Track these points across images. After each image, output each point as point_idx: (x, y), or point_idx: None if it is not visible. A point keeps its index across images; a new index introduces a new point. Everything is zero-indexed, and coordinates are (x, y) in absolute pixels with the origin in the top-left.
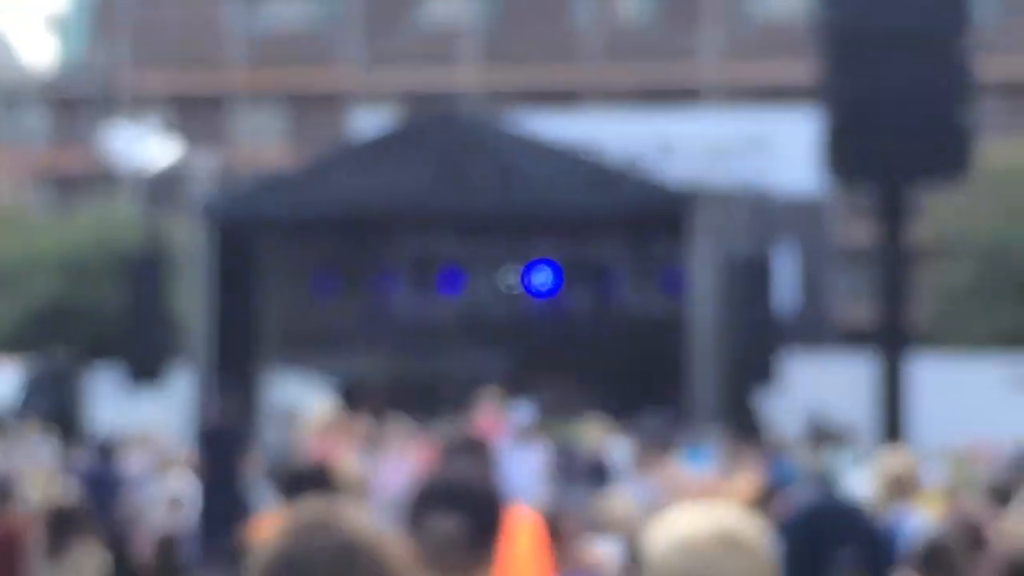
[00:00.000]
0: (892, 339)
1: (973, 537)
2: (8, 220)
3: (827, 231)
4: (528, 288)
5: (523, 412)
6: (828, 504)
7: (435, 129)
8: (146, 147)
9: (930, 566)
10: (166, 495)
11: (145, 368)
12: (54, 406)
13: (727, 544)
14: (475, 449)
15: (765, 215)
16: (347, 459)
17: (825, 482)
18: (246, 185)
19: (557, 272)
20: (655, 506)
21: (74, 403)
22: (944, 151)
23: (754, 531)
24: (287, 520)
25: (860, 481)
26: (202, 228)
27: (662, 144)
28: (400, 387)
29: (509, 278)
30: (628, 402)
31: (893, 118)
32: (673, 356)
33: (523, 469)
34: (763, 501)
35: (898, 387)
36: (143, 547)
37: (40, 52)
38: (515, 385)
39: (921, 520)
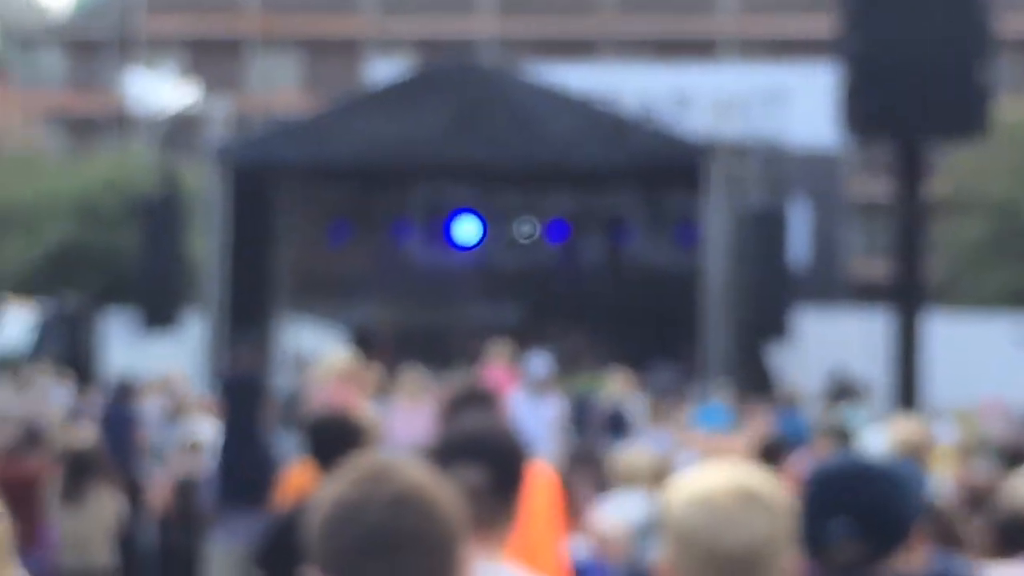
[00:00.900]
0: (907, 296)
1: (977, 500)
2: (23, 162)
3: (841, 185)
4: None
5: (537, 364)
6: (849, 463)
7: (451, 78)
8: (161, 91)
9: (929, 533)
10: (184, 439)
11: (159, 312)
12: (67, 349)
13: (747, 500)
14: (483, 401)
15: (780, 169)
16: (362, 407)
17: (844, 438)
18: (261, 130)
19: (560, 225)
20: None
21: (87, 347)
22: (962, 108)
23: (774, 488)
24: (343, 471)
25: (875, 440)
26: (217, 173)
27: (678, 96)
28: (413, 336)
29: (524, 228)
30: (641, 355)
31: (911, 74)
32: (686, 309)
33: (537, 422)
34: (773, 455)
35: (913, 344)
36: (161, 490)
37: None
38: (528, 336)
39: (932, 485)
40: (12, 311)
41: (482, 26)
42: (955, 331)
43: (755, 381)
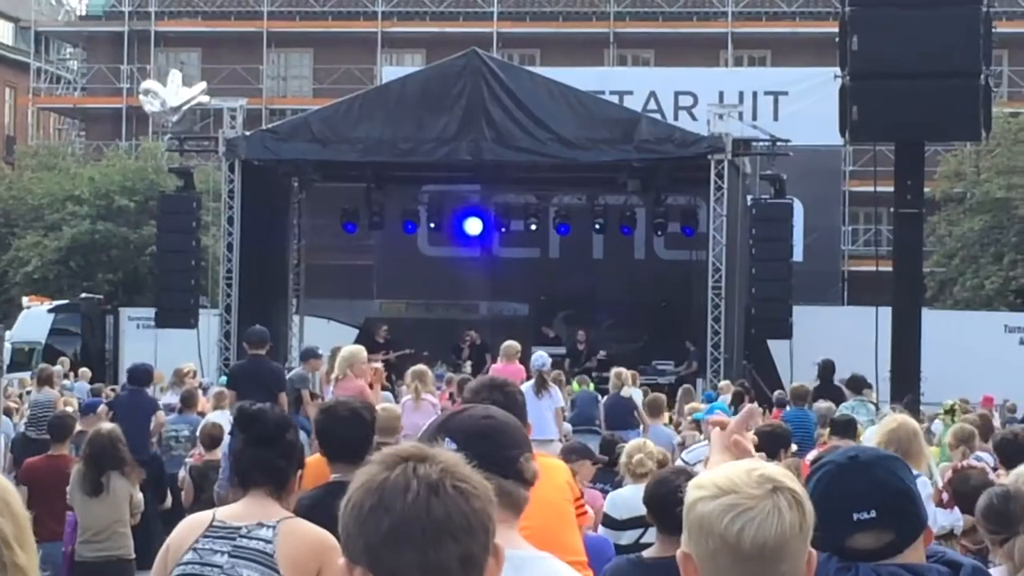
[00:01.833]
0: (906, 294)
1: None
2: (41, 159)
3: (840, 183)
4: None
5: (541, 359)
6: (869, 454)
7: (460, 76)
8: (177, 88)
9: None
10: (198, 429)
11: (175, 308)
12: (85, 345)
13: (770, 492)
14: (501, 389)
15: (781, 167)
16: (377, 399)
17: (853, 430)
18: (274, 128)
19: (567, 221)
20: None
21: (103, 342)
22: (961, 111)
23: (794, 480)
24: (376, 458)
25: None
26: (231, 169)
27: (685, 94)
28: (424, 329)
29: (533, 224)
30: (646, 349)
31: (910, 77)
32: (694, 303)
33: (541, 416)
34: (775, 446)
35: (911, 340)
36: (178, 480)
37: None
38: (536, 330)
39: (922, 483)
40: (29, 308)
41: (491, 26)
42: (951, 327)
43: (759, 374)
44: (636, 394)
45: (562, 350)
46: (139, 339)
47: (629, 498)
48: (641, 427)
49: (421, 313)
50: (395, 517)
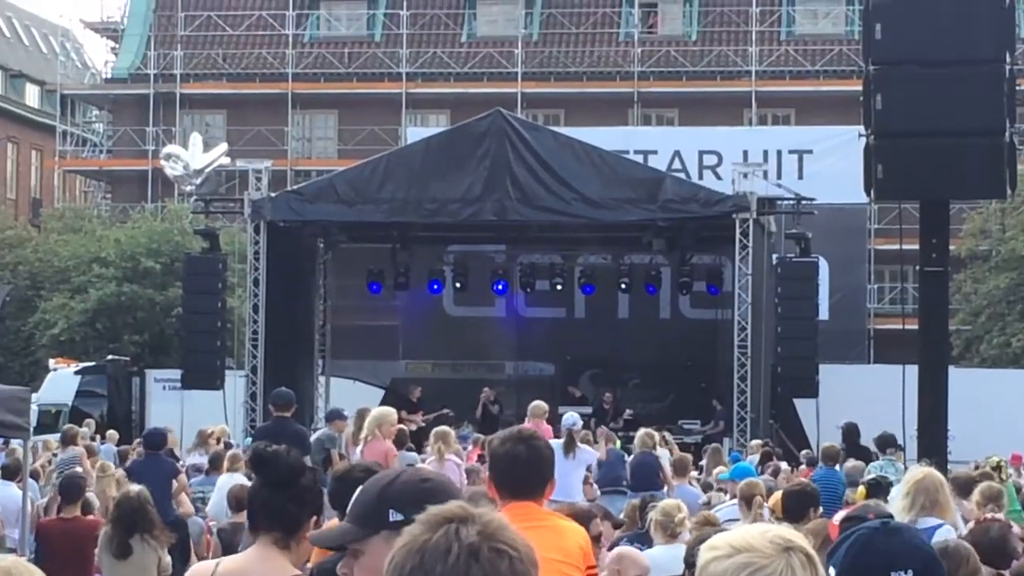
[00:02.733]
0: (932, 352)
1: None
2: (67, 222)
3: (865, 241)
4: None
5: (571, 418)
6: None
7: (486, 136)
8: (199, 151)
9: None
10: (225, 491)
11: (201, 369)
12: (112, 407)
13: (785, 555)
14: (526, 441)
15: (809, 224)
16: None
17: (886, 490)
18: (300, 189)
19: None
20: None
21: (131, 404)
22: (986, 170)
23: (804, 540)
24: (424, 517)
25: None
26: (257, 231)
27: (710, 153)
28: (449, 390)
29: (558, 284)
30: (675, 407)
31: (936, 135)
32: (719, 362)
33: (567, 478)
34: (805, 509)
35: (938, 399)
36: (204, 543)
37: (99, 56)
38: (562, 390)
39: (944, 535)
40: (56, 370)
41: (515, 86)
42: (978, 386)
43: (786, 434)
44: (663, 454)
45: (588, 410)
46: (165, 400)
47: (660, 558)
48: (666, 488)
49: (447, 373)
50: None
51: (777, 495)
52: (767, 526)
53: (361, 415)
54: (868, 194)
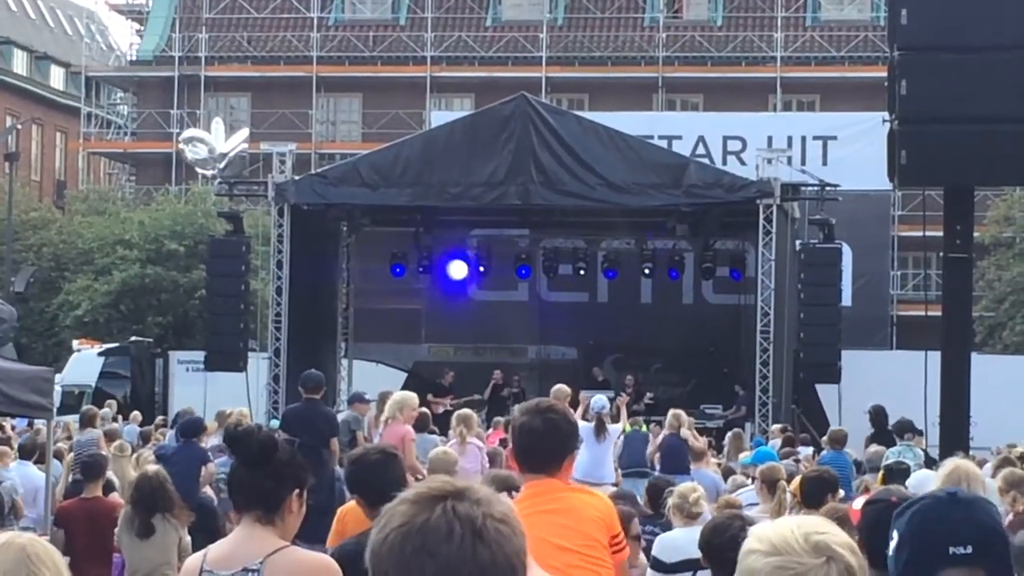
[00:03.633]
0: (955, 339)
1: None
2: (91, 204)
3: (888, 227)
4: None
5: (600, 402)
6: (949, 491)
7: (510, 120)
8: (227, 134)
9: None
10: None
11: (224, 351)
12: (135, 388)
13: (822, 558)
14: (542, 413)
15: (833, 210)
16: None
17: (904, 476)
18: (324, 172)
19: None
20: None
21: (154, 386)
22: (1010, 156)
23: (854, 550)
24: (410, 495)
25: (925, 481)
26: (281, 214)
27: (734, 138)
28: (472, 373)
29: (582, 268)
30: (696, 392)
31: (961, 121)
32: (742, 348)
33: (602, 459)
34: (823, 495)
35: (960, 385)
36: (228, 525)
37: (124, 38)
38: (585, 373)
39: None
40: (79, 351)
41: (540, 70)
42: (1000, 372)
43: (808, 419)
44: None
45: (611, 394)
46: (188, 382)
47: (678, 540)
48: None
49: (470, 357)
50: (441, 563)
51: (797, 480)
52: (815, 523)
53: (383, 398)
54: (892, 180)
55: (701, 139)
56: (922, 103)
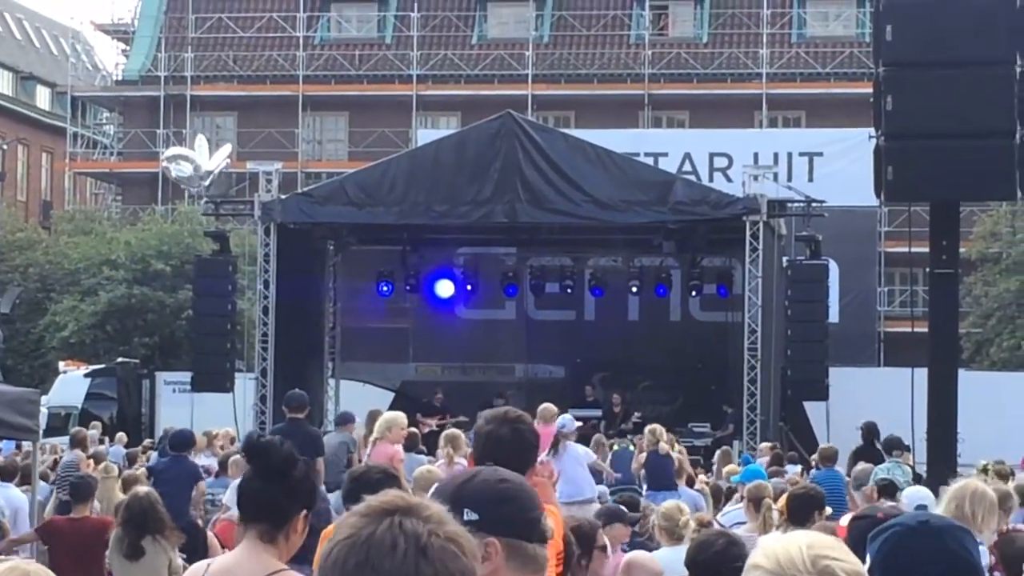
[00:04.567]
0: (942, 355)
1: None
2: (77, 224)
3: (875, 244)
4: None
5: (561, 421)
6: (925, 515)
7: (497, 138)
8: (211, 152)
9: None
10: (233, 494)
11: (211, 372)
12: (122, 409)
13: (821, 561)
14: (511, 423)
15: (819, 226)
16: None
17: (894, 492)
18: (311, 191)
19: (603, 283)
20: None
21: (141, 406)
22: (995, 171)
23: (855, 566)
24: (361, 508)
25: (916, 497)
26: (267, 233)
27: (720, 155)
28: (459, 393)
29: (568, 286)
30: (684, 410)
31: (947, 137)
32: (729, 365)
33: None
34: (810, 512)
35: (947, 402)
36: (216, 545)
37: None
38: (572, 393)
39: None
40: (66, 372)
41: (526, 88)
42: (987, 388)
43: (794, 435)
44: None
45: (598, 412)
46: (175, 403)
47: (665, 561)
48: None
49: (457, 376)
50: None
51: (784, 497)
52: (828, 544)
53: (372, 417)
54: (878, 196)
55: (687, 156)
56: (908, 119)
